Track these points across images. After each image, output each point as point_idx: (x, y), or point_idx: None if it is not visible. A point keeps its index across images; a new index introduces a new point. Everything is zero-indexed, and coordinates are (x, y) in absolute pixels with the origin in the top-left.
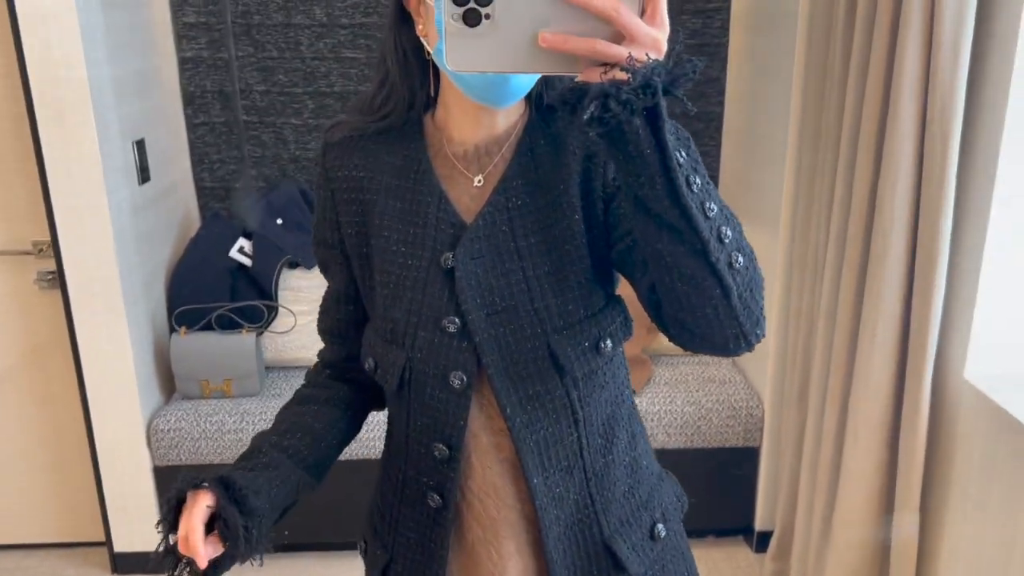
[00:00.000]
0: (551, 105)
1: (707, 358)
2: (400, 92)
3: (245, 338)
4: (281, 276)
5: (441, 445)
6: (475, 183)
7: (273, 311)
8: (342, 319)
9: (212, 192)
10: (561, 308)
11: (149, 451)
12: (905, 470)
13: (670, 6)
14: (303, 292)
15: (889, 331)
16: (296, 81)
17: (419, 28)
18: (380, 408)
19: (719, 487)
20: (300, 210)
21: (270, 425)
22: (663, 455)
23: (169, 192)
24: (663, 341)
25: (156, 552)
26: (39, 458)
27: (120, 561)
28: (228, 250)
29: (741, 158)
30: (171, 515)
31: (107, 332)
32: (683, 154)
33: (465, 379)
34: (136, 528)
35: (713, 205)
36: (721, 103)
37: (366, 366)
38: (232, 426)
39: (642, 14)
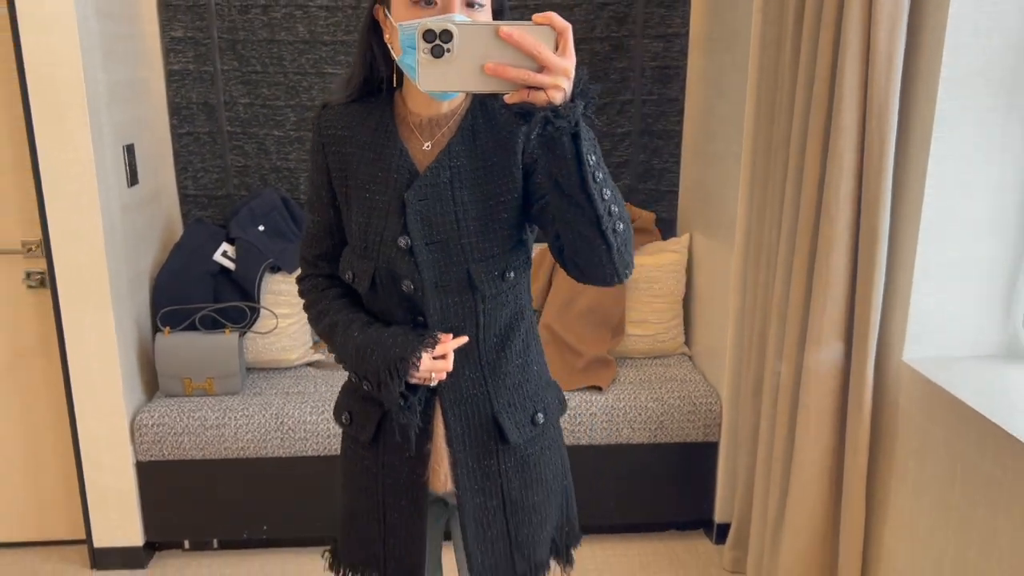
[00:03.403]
0: (503, 106)
1: (669, 359)
2: (359, 79)
3: (228, 338)
4: (263, 280)
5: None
6: (424, 147)
7: (255, 312)
8: (336, 244)
9: (195, 200)
10: (481, 245)
11: (132, 446)
12: (852, 449)
13: (634, 31)
14: (283, 296)
15: (835, 320)
16: (279, 95)
17: (386, 36)
18: None
19: (680, 482)
20: (281, 217)
21: (324, 319)
22: (629, 449)
23: (154, 198)
24: (627, 345)
25: (403, 392)
26: (16, 458)
27: (100, 556)
28: (212, 254)
29: (699, 171)
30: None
31: (94, 330)
32: (592, 157)
33: (410, 286)
34: (116, 523)
35: (608, 191)
36: (680, 121)
37: (345, 277)
38: (214, 422)
39: (556, 50)
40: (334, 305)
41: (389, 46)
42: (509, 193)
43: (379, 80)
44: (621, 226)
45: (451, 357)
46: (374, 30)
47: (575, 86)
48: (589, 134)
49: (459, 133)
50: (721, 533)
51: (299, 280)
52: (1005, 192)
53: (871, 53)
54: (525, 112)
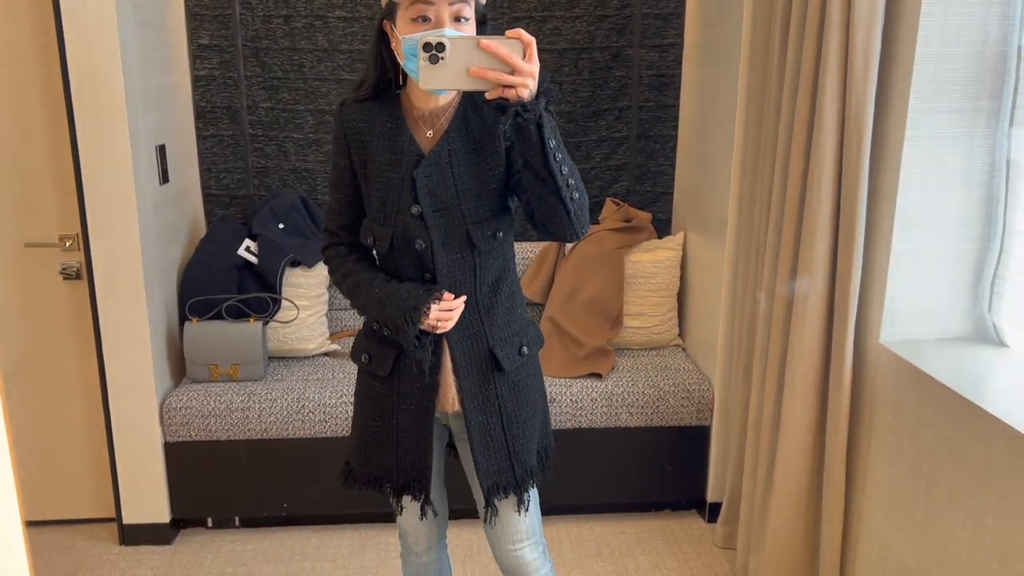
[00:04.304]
0: (486, 100)
1: (664, 350)
2: (372, 80)
3: (252, 327)
4: (284, 274)
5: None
6: (427, 135)
7: (277, 303)
8: (355, 217)
9: (217, 199)
10: (476, 211)
11: (161, 428)
12: (833, 426)
13: (632, 41)
14: (302, 288)
15: (818, 304)
16: (298, 99)
17: (393, 45)
18: None
19: (675, 463)
20: (300, 216)
21: (349, 279)
22: (627, 432)
23: (182, 196)
24: (625, 336)
25: (417, 335)
26: (51, 440)
27: (128, 533)
28: (236, 249)
29: (693, 173)
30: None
31: (128, 319)
32: (552, 141)
33: (423, 244)
34: (145, 501)
35: (566, 168)
36: (675, 126)
37: (367, 242)
38: (239, 406)
39: (524, 58)
40: (356, 267)
41: (395, 53)
42: (496, 168)
43: (388, 81)
44: (577, 195)
45: (458, 313)
46: (383, 40)
47: (539, 86)
48: (551, 122)
49: (454, 122)
50: (713, 512)
51: (324, 249)
52: (972, 188)
53: (849, 61)
54: (501, 106)
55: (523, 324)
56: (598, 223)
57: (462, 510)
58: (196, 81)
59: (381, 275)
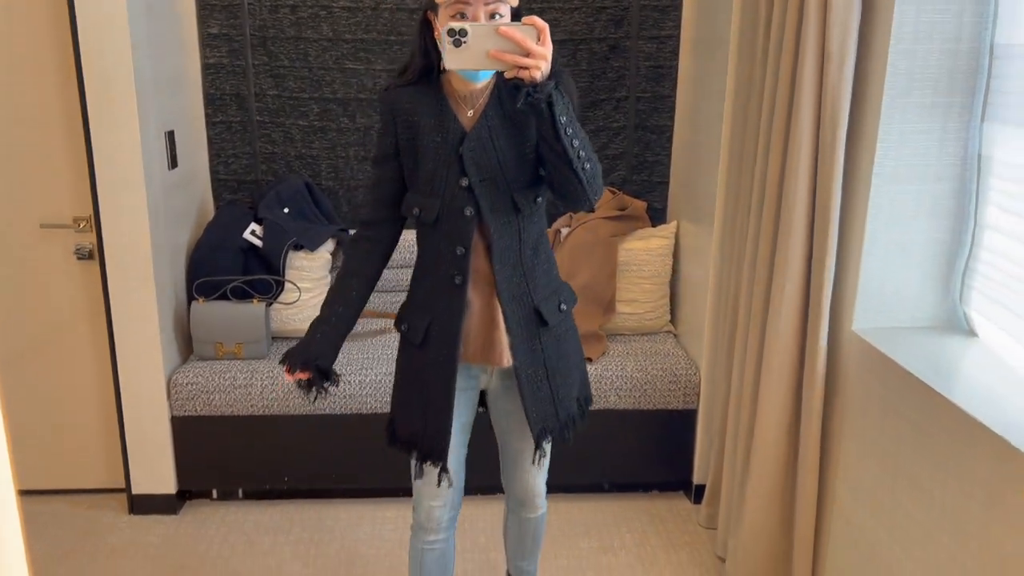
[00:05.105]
0: (504, 80)
1: (655, 336)
2: (418, 65)
3: (256, 308)
4: (288, 257)
5: (460, 247)
6: (468, 114)
7: (280, 285)
8: (393, 191)
9: (225, 183)
10: (518, 178)
11: (168, 403)
12: (808, 410)
13: (630, 32)
14: (305, 271)
15: (793, 293)
16: (304, 87)
17: (436, 34)
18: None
19: (662, 446)
20: (305, 201)
21: (331, 295)
22: (615, 414)
23: (190, 180)
24: (617, 322)
25: (296, 380)
26: (64, 414)
27: (138, 502)
28: (242, 232)
29: (687, 163)
30: (295, 366)
31: (137, 298)
32: (564, 117)
33: (472, 212)
34: (153, 472)
35: (577, 141)
36: (671, 117)
37: (413, 213)
38: (242, 382)
39: (538, 42)
40: (339, 296)
41: (437, 41)
42: (530, 140)
43: (430, 67)
44: (588, 165)
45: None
46: (426, 29)
47: (552, 67)
48: (563, 100)
49: (490, 101)
50: (699, 493)
51: (355, 234)
52: (944, 181)
53: (825, 57)
54: (517, 85)
55: (559, 283)
56: (594, 211)
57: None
58: (206, 69)
59: (335, 320)
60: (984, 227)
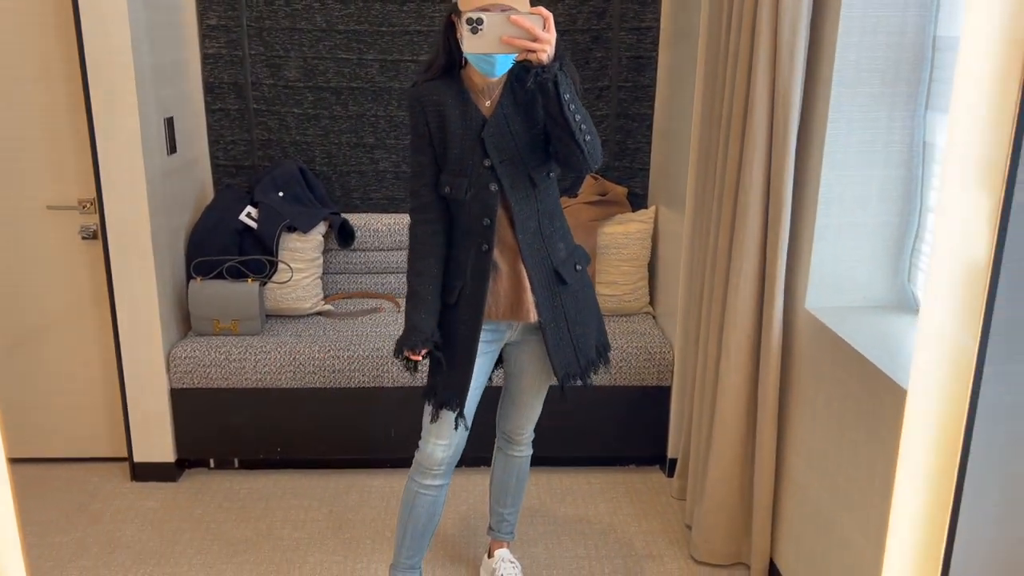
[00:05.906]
0: (516, 62)
1: (634, 317)
2: (442, 62)
3: (250, 287)
4: (281, 239)
5: (486, 219)
6: (486, 104)
7: (274, 265)
8: (434, 173)
9: (224, 168)
10: (533, 157)
11: (168, 376)
12: (764, 384)
13: (611, 24)
14: (298, 252)
15: (750, 273)
16: (299, 77)
17: (458, 33)
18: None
19: (638, 421)
20: (299, 185)
21: (415, 278)
22: (595, 391)
23: (190, 166)
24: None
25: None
26: (69, 386)
27: (139, 470)
28: (238, 215)
29: (665, 150)
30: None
31: (138, 277)
32: (567, 95)
33: (496, 188)
34: (153, 442)
35: (579, 116)
36: (651, 106)
37: (444, 191)
38: (237, 356)
39: (543, 29)
40: (419, 280)
41: (459, 39)
42: (539, 123)
43: (452, 64)
44: (588, 137)
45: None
46: (450, 30)
47: (556, 51)
48: (566, 80)
49: (504, 92)
50: (673, 466)
51: (413, 218)
52: (892, 167)
53: (777, 48)
54: (527, 67)
55: (574, 246)
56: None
57: None
58: (205, 59)
59: (431, 298)
60: (930, 210)
